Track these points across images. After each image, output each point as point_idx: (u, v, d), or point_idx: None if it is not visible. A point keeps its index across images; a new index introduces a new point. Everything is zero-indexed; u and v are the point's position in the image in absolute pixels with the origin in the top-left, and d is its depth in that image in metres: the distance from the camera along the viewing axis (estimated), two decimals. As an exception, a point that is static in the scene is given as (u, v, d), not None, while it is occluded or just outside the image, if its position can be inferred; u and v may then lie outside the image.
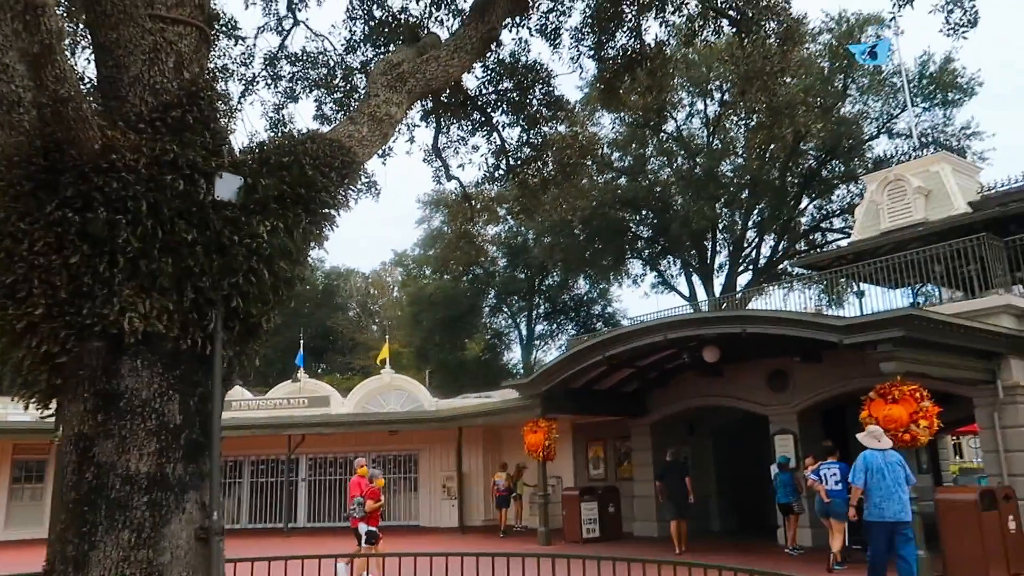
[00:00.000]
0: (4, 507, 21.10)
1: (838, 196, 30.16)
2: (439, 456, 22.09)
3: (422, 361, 39.62)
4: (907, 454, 13.69)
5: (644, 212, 31.10)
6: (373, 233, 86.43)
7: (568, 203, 23.35)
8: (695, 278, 31.05)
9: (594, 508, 16.25)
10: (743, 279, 30.50)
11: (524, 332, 39.80)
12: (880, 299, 19.23)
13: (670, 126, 29.56)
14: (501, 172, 9.20)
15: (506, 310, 40.10)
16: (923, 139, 27.04)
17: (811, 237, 31.20)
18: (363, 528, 10.96)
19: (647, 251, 33.46)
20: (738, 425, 18.01)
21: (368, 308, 59.42)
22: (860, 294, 19.01)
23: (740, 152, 27.95)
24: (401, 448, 22.66)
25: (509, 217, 39.25)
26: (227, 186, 4.07)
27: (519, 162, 8.92)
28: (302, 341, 27.72)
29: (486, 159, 9.20)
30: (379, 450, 22.76)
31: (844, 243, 24.69)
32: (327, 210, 4.56)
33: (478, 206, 11.05)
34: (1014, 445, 11.72)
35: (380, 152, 8.35)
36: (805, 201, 30.17)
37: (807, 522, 14.08)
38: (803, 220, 31.14)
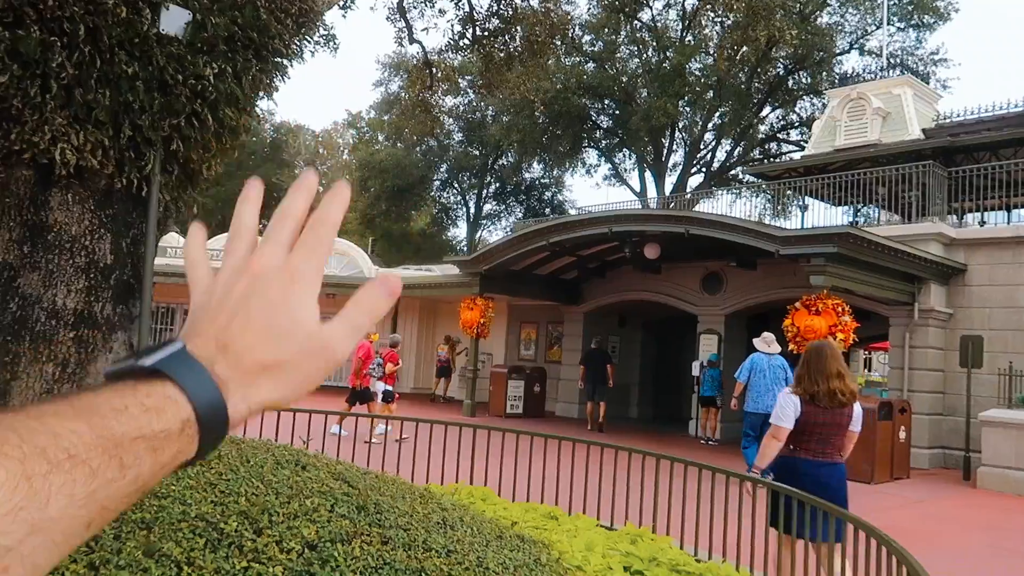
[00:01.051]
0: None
1: (800, 108, 30.13)
2: (375, 324, 22.35)
3: (367, 228, 39.25)
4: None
5: (607, 101, 30.58)
6: (328, 90, 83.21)
7: (532, 83, 22.69)
8: (648, 174, 31.10)
9: (520, 386, 16.85)
10: (695, 180, 30.68)
11: (472, 210, 39.61)
12: (822, 215, 19.70)
13: (646, 15, 28.66)
14: (467, 42, 8.82)
15: (456, 186, 39.65)
16: (892, 60, 26.92)
17: (767, 146, 31.33)
18: (381, 387, 11.57)
19: (604, 142, 33.16)
20: (667, 322, 18.67)
21: (316, 168, 57.82)
22: (804, 208, 19.38)
23: (711, 52, 27.43)
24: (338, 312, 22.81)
25: (470, 90, 38.26)
26: (174, 20, 3.82)
27: (486, 33, 8.56)
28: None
29: (452, 25, 8.79)
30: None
31: (798, 156, 24.94)
32: (279, 59, 4.35)
33: (439, 75, 10.59)
34: (918, 364, 12.50)
35: (341, 3, 7.89)
36: (767, 109, 30.08)
37: (722, 416, 14.94)
38: (762, 128, 31.15)
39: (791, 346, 10.91)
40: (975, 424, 10.94)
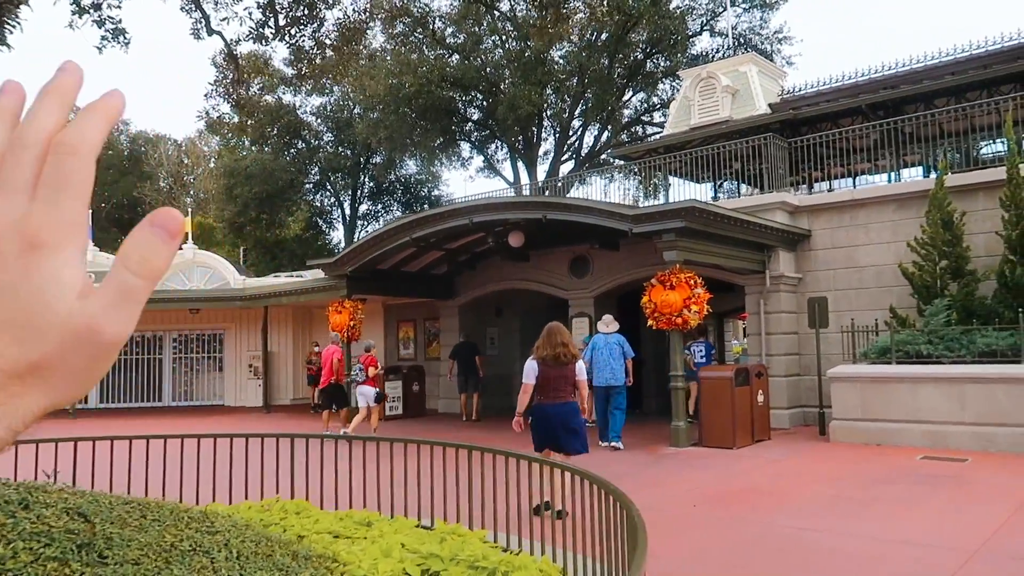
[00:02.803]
0: None
1: (661, 90, 30.96)
2: (246, 335, 21.37)
3: (238, 237, 37.61)
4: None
5: (474, 93, 30.45)
6: (185, 95, 79.32)
7: (354, 72, 22.19)
8: (520, 164, 31.19)
9: (398, 387, 16.46)
10: (567, 167, 31.02)
11: (348, 211, 38.64)
12: (686, 191, 20.24)
13: (505, 4, 28.70)
14: (271, 30, 8.32)
15: (330, 187, 38.56)
16: (739, 40, 28.08)
17: (633, 129, 32.06)
18: (367, 390, 12.57)
19: (475, 134, 33.06)
20: (544, 308, 18.67)
21: (181, 179, 55.11)
22: (667, 187, 19.87)
23: (573, 39, 27.77)
24: (205, 327, 21.67)
25: (335, 88, 37.25)
26: None
27: (290, 21, 8.10)
28: (90, 212, 25.20)
29: (250, 13, 8.25)
30: (181, 329, 21.65)
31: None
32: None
33: (247, 67, 9.97)
34: (773, 328, 12.99)
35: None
36: (630, 93, 30.76)
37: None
38: (627, 112, 31.85)
39: (650, 322, 11.06)
40: (826, 381, 11.44)
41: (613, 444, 10.94)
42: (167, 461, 5.42)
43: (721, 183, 21.52)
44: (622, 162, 24.78)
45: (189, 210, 26.81)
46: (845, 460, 9.43)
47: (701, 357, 13.29)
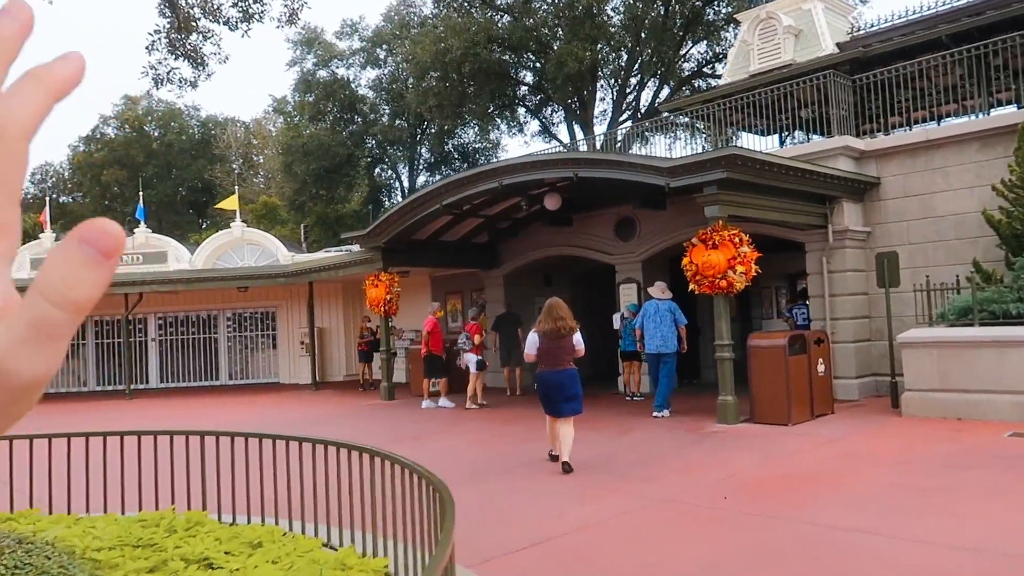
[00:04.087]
0: None
1: (725, 40, 29.08)
2: (297, 312, 21.16)
3: (298, 213, 37.79)
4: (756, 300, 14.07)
5: (524, 55, 29.30)
6: (253, 77, 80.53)
7: (406, 42, 21.02)
8: (577, 127, 29.94)
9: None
10: (626, 128, 29.59)
11: (407, 183, 38.23)
12: (751, 145, 18.75)
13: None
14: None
15: (387, 160, 38.21)
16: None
17: (695, 83, 30.27)
18: (472, 358, 13.08)
19: (529, 98, 31.97)
20: (595, 275, 17.69)
21: (251, 159, 56.03)
22: (726, 141, 18.42)
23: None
24: (258, 305, 21.58)
25: (390, 59, 36.70)
26: None
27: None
28: (141, 195, 25.51)
29: None
30: (234, 307, 21.63)
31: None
32: None
33: (190, 10, 9.09)
34: (838, 289, 11.67)
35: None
36: (689, 45, 28.98)
37: (647, 370, 14.07)
38: (687, 66, 30.08)
39: (691, 286, 10.00)
40: (898, 347, 10.13)
41: (655, 414, 10.71)
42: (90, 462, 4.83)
43: (788, 134, 19.88)
44: (686, 118, 23.27)
45: (236, 188, 26.68)
46: (916, 438, 8.21)
47: (804, 320, 12.63)
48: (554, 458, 7.71)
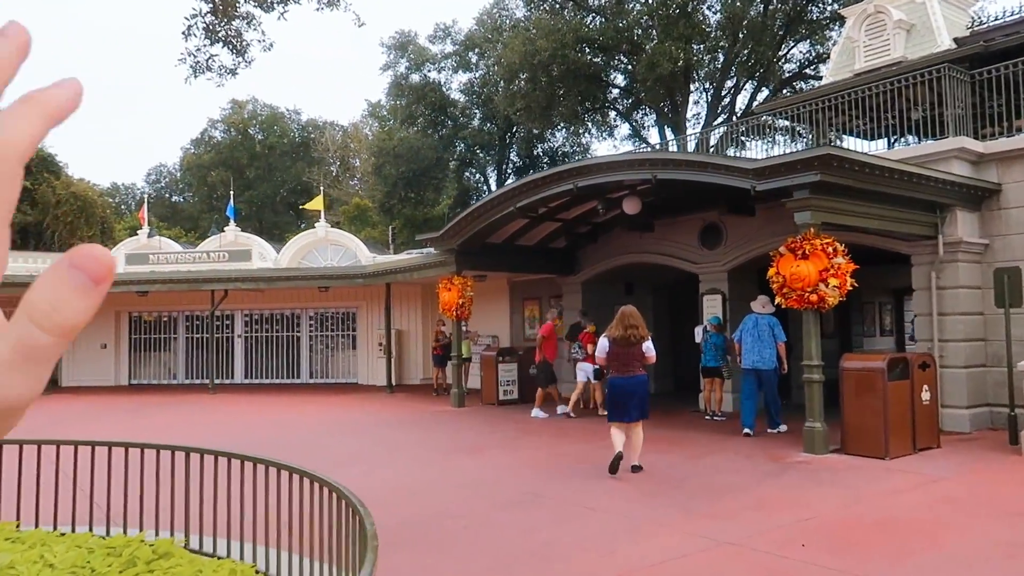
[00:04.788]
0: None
1: (830, 39, 27.44)
2: (377, 313, 21.14)
3: (388, 216, 38.23)
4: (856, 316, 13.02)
5: (616, 56, 28.53)
6: (351, 82, 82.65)
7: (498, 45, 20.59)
8: (668, 130, 28.91)
9: (513, 370, 15.32)
10: (718, 131, 28.36)
11: (495, 186, 38.06)
12: (856, 149, 17.41)
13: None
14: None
15: (476, 164, 38.16)
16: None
17: (795, 85, 28.72)
18: (587, 367, 12.72)
19: (621, 102, 31.17)
20: (679, 284, 16.80)
21: (347, 162, 57.47)
22: (828, 143, 17.15)
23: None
24: (339, 305, 21.70)
25: (481, 63, 36.62)
26: None
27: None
28: (232, 193, 26.21)
29: None
30: (316, 307, 21.82)
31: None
32: None
33: None
34: (949, 307, 10.45)
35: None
36: (791, 44, 27.49)
37: (730, 387, 13.15)
38: (787, 67, 28.57)
39: (777, 299, 9.11)
40: (1018, 375, 8.92)
41: (770, 430, 10.59)
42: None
43: (896, 137, 18.39)
44: (785, 121, 21.94)
45: (321, 189, 27.05)
46: (1038, 483, 7.10)
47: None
48: (615, 464, 7.72)
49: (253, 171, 52.79)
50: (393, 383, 19.08)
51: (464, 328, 17.53)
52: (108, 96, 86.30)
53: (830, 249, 8.57)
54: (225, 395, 18.55)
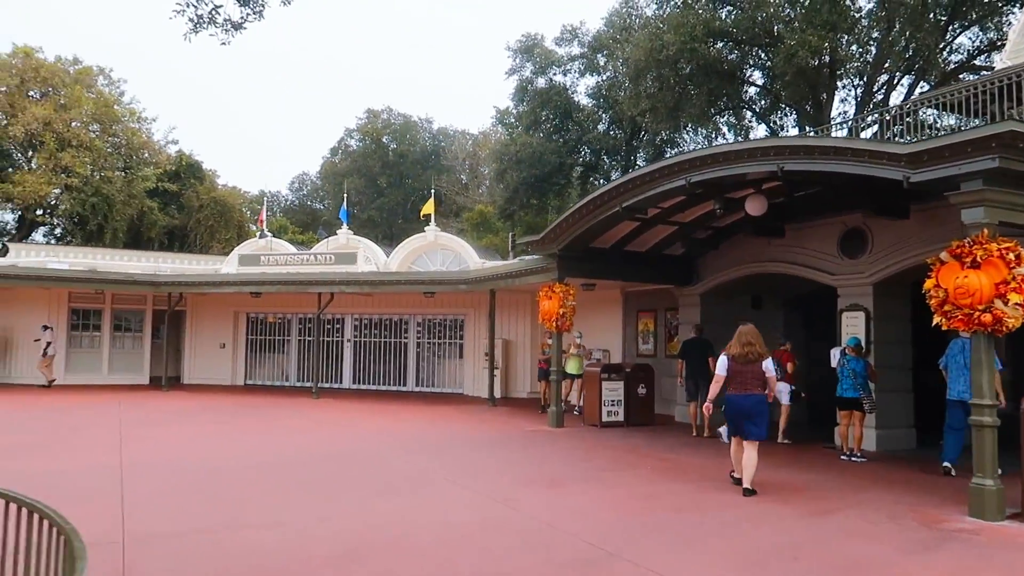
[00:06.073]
0: (64, 353, 21.45)
1: (1006, 23, 24.00)
2: (484, 322, 20.20)
3: (508, 222, 37.51)
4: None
5: (753, 51, 26.31)
6: (481, 92, 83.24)
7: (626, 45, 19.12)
8: (809, 130, 26.31)
9: (619, 388, 13.84)
10: (867, 134, 25.47)
11: (620, 193, 36.49)
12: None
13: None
14: None
15: (601, 169, 36.73)
16: None
17: (961, 79, 25.34)
18: (786, 388, 11.80)
19: (758, 102, 28.84)
20: (816, 298, 14.68)
21: (476, 170, 57.62)
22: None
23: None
24: (447, 312, 20.96)
25: (609, 65, 35.18)
26: None
27: None
28: (345, 196, 26.15)
29: None
30: (424, 312, 21.19)
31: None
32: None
33: None
34: None
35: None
36: (956, 32, 24.25)
37: (874, 422, 11.10)
38: (952, 58, 25.27)
39: (937, 318, 7.21)
40: None
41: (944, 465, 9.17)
42: None
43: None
44: (952, 118, 19.11)
45: (432, 192, 26.51)
46: None
47: None
48: (737, 481, 7.96)
49: (385, 179, 53.76)
50: (497, 396, 18.03)
51: (578, 341, 16.19)
52: (260, 107, 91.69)
53: (1011, 256, 6.62)
54: (328, 400, 18.15)
